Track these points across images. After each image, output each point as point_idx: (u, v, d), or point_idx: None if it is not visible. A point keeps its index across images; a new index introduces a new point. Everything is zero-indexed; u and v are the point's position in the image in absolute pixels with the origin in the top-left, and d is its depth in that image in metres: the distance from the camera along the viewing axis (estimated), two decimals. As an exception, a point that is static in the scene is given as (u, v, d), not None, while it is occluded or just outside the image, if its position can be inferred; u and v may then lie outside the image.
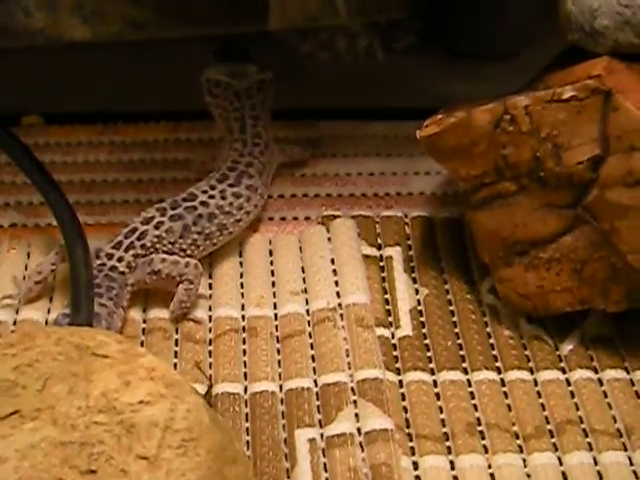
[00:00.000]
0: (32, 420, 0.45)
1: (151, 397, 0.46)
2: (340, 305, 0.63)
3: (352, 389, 0.58)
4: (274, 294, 0.64)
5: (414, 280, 0.65)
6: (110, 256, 0.61)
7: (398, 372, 0.60)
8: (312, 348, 0.61)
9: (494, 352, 0.61)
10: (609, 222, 0.57)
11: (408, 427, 0.57)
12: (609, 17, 0.57)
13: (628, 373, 0.60)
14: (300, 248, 0.67)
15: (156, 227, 0.62)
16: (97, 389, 0.45)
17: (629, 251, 0.57)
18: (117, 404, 0.45)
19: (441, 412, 0.58)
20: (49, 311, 0.62)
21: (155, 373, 0.47)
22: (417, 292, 0.65)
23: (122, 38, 0.61)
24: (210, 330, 0.62)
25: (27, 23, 0.55)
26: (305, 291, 0.64)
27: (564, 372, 0.60)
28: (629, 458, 0.56)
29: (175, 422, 0.45)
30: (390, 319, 0.63)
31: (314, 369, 0.60)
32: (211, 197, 0.65)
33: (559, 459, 0.56)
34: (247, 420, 0.57)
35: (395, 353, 0.61)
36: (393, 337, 0.62)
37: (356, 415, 0.57)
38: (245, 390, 0.59)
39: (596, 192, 0.57)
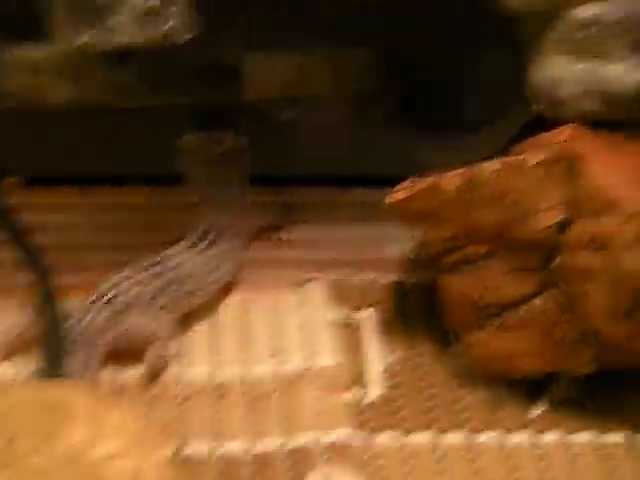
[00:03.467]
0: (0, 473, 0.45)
1: (120, 452, 0.46)
2: (311, 367, 0.64)
3: (322, 450, 0.59)
4: (247, 355, 0.65)
5: (385, 343, 0.66)
6: (84, 314, 0.61)
7: (369, 433, 0.60)
8: (282, 409, 0.61)
9: (465, 414, 0.62)
10: (576, 285, 0.58)
11: (378, 488, 0.57)
12: (574, 87, 0.59)
13: (598, 436, 0.61)
14: (273, 311, 0.68)
15: (130, 288, 0.63)
16: (66, 442, 0.46)
17: (596, 314, 0.58)
18: (86, 458, 0.45)
19: (411, 474, 0.58)
20: (18, 371, 0.62)
21: (124, 428, 0.47)
22: (388, 355, 0.65)
23: (103, 103, 0.63)
24: (181, 390, 0.62)
25: (9, 85, 0.56)
26: (276, 353, 0.65)
27: (534, 434, 0.61)
28: (599, 521, 0.56)
29: (143, 477, 0.45)
30: (361, 381, 0.63)
31: (284, 429, 0.60)
32: (186, 259, 0.65)
33: (528, 521, 0.56)
34: (216, 480, 0.57)
35: (366, 415, 0.61)
36: (364, 399, 0.62)
37: (326, 477, 0.57)
38: (215, 450, 0.59)
39: (563, 256, 0.58)
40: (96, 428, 0.46)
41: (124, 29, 0.53)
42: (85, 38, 0.53)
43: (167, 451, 0.47)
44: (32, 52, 0.55)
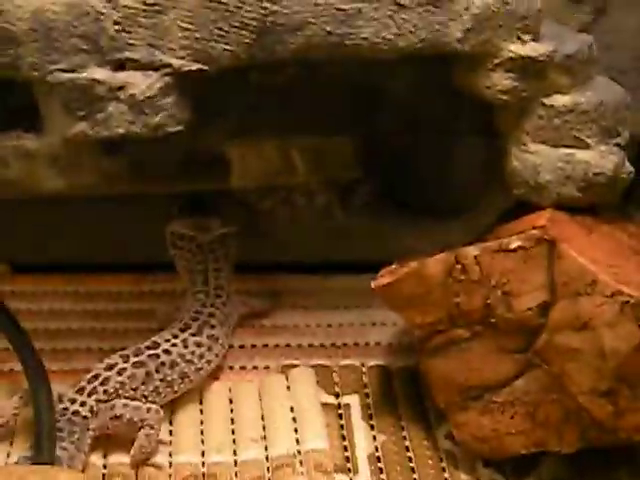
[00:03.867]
0: None
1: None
2: (299, 451, 0.64)
3: (311, 534, 0.59)
4: (234, 440, 0.65)
5: (372, 427, 0.67)
6: (73, 400, 0.62)
7: (357, 517, 0.61)
8: (271, 493, 0.62)
9: (452, 496, 0.62)
10: (559, 365, 0.59)
11: None
12: (551, 172, 0.61)
13: (585, 514, 0.61)
14: (260, 396, 0.68)
15: (119, 373, 0.63)
16: (58, 525, 0.46)
17: (579, 393, 0.59)
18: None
19: None
20: (9, 455, 0.62)
21: (116, 511, 0.47)
22: (375, 438, 0.66)
23: (95, 190, 0.64)
24: (170, 476, 0.62)
25: (3, 174, 0.58)
26: (265, 438, 0.65)
27: (521, 515, 0.61)
28: None
29: None
30: (349, 465, 0.64)
31: (274, 514, 0.60)
32: (174, 345, 0.66)
33: None
34: None
35: (354, 498, 0.62)
36: (352, 482, 0.63)
37: None
38: (204, 536, 0.59)
39: (546, 337, 0.60)
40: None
41: (119, 119, 0.55)
42: (78, 128, 0.55)
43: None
44: (26, 142, 0.57)
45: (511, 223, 0.63)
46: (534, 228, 0.60)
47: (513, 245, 0.60)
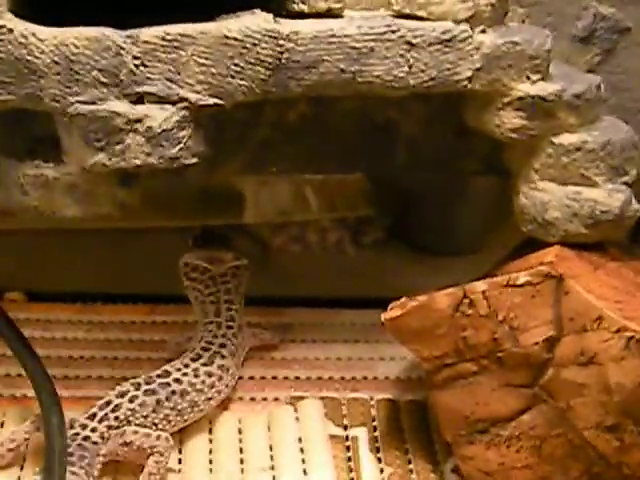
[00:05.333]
0: None
1: None
2: (306, 482, 0.65)
3: None
4: (242, 470, 0.66)
5: (379, 459, 0.67)
6: (84, 426, 0.63)
7: None
8: (279, 523, 0.62)
9: (457, 530, 0.63)
10: (565, 400, 0.60)
11: None
12: (559, 210, 0.62)
13: None
14: (268, 427, 0.69)
15: (130, 401, 0.64)
16: None
17: (585, 427, 0.59)
18: None
19: None
20: (19, 479, 0.63)
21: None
22: (382, 471, 0.66)
23: (110, 221, 0.65)
24: (178, 503, 0.63)
25: (23, 201, 0.59)
26: (273, 468, 0.66)
27: None
28: None
29: None
30: (355, 497, 0.64)
31: (280, 543, 0.61)
32: (184, 375, 0.67)
33: None
34: None
35: (360, 530, 0.62)
36: (358, 514, 0.63)
37: None
38: None
39: (552, 372, 0.60)
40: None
41: (136, 151, 0.56)
42: (96, 159, 0.56)
43: None
44: (46, 171, 0.58)
45: (519, 259, 0.64)
46: (542, 264, 0.61)
47: (521, 280, 0.61)
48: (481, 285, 0.62)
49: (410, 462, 0.67)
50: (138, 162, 0.56)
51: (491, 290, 0.61)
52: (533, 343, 0.60)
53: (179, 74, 0.56)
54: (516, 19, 0.67)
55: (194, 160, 0.58)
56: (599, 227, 0.62)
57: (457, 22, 0.59)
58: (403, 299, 0.65)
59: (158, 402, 0.65)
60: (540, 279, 0.60)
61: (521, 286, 0.61)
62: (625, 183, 0.63)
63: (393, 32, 0.58)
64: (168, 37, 0.56)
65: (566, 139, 0.61)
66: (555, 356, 0.60)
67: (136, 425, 0.64)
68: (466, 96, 0.62)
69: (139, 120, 0.56)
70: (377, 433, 0.69)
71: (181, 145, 0.57)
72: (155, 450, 0.63)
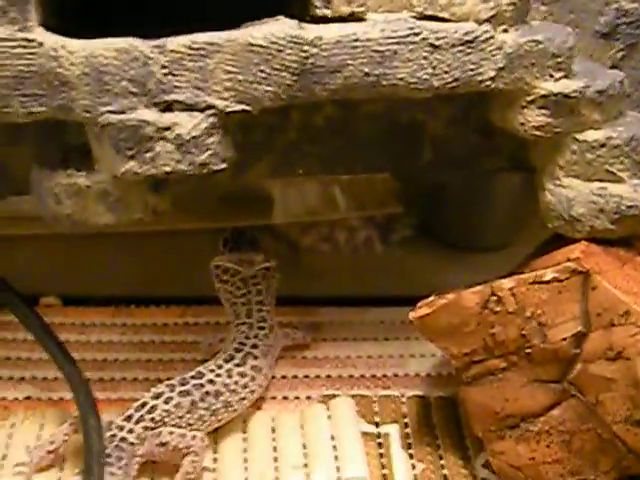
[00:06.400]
0: None
1: None
2: (339, 479, 0.65)
3: None
4: (276, 468, 0.67)
5: (411, 456, 0.68)
6: (121, 428, 0.64)
7: None
8: (313, 519, 0.63)
9: (490, 524, 0.63)
10: (594, 395, 0.61)
11: None
12: (585, 206, 0.62)
13: None
14: (301, 425, 0.70)
15: (165, 402, 0.66)
16: None
17: (614, 422, 0.60)
18: None
19: None
20: (59, 480, 0.65)
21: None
22: (414, 467, 0.67)
23: (142, 226, 0.66)
24: (215, 502, 0.64)
25: (57, 210, 0.60)
26: (306, 466, 0.67)
27: None
28: None
29: None
30: (388, 493, 0.65)
31: (315, 539, 0.62)
32: (218, 375, 0.68)
33: None
34: None
35: (393, 525, 0.63)
36: (391, 510, 0.64)
37: None
38: None
39: (580, 367, 0.61)
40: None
41: (166, 158, 0.57)
42: (127, 166, 0.57)
43: None
44: (78, 179, 0.59)
45: (546, 255, 0.64)
46: (568, 260, 0.61)
47: (548, 277, 0.61)
48: (508, 282, 0.62)
49: (441, 458, 0.68)
50: (168, 169, 0.57)
51: (518, 287, 0.62)
52: (561, 339, 0.61)
53: (206, 82, 0.57)
54: (538, 17, 0.67)
55: (223, 165, 0.59)
56: (625, 222, 0.62)
57: (479, 22, 0.60)
58: (431, 297, 0.65)
59: (193, 403, 0.66)
60: (567, 275, 0.61)
61: (548, 282, 0.61)
62: (650, 178, 0.63)
63: (416, 35, 0.59)
64: (195, 46, 0.57)
65: (590, 135, 0.62)
66: (583, 351, 0.60)
67: (172, 426, 0.65)
68: (490, 95, 0.62)
69: (168, 128, 0.57)
70: (408, 430, 0.70)
71: (210, 151, 0.58)
72: (191, 450, 0.64)
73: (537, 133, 0.62)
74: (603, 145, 0.62)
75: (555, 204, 0.64)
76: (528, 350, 0.62)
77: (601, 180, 0.62)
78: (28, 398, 0.71)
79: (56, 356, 0.66)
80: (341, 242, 0.88)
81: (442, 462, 0.67)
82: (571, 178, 0.63)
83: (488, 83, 0.60)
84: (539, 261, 0.65)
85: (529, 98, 0.61)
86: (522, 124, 0.62)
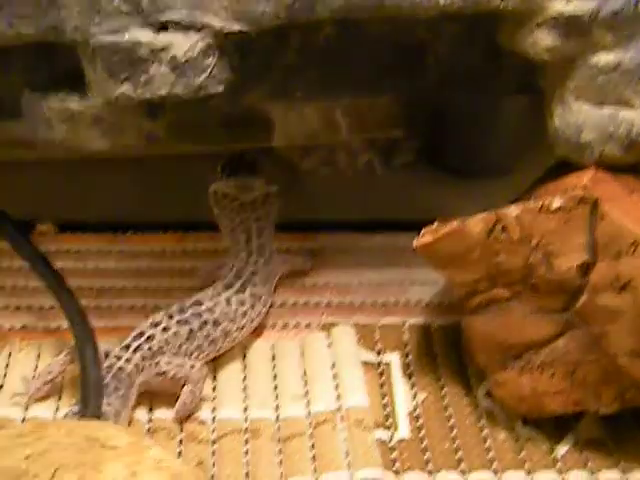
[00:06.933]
0: (42, 508, 0.46)
1: (159, 487, 0.47)
2: (340, 408, 0.65)
3: (352, 489, 0.60)
4: (276, 397, 0.66)
5: (412, 385, 0.67)
6: (118, 357, 0.63)
7: (397, 473, 0.61)
8: (313, 449, 0.62)
9: (491, 453, 0.63)
10: (599, 326, 0.60)
11: (407, 526, 0.58)
12: (594, 131, 0.61)
13: (623, 474, 0.61)
14: (301, 353, 0.69)
15: (163, 331, 0.65)
16: (106, 478, 0.47)
17: (618, 353, 0.59)
18: (126, 493, 0.47)
19: (439, 512, 0.59)
20: (57, 409, 0.64)
21: (162, 464, 0.48)
22: (415, 396, 0.66)
23: (137, 151, 0.65)
24: (213, 431, 0.63)
25: (49, 135, 0.58)
26: (306, 394, 0.66)
27: (560, 473, 0.61)
28: None
29: (181, 512, 0.47)
30: (389, 422, 0.65)
31: (315, 469, 0.61)
32: (217, 304, 0.67)
33: None
34: (249, 519, 0.58)
35: (393, 454, 0.62)
36: (391, 439, 0.63)
37: (356, 515, 0.59)
38: (247, 490, 0.60)
39: (586, 297, 0.60)
40: (136, 464, 0.48)
41: (161, 81, 0.55)
42: (121, 90, 0.55)
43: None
44: (71, 104, 0.58)
45: (553, 183, 0.63)
46: (576, 188, 0.60)
47: (555, 205, 0.60)
48: (514, 210, 0.61)
49: (443, 387, 0.67)
50: (163, 92, 0.55)
51: (524, 215, 0.60)
52: (567, 268, 0.60)
53: (202, 0, 0.55)
54: None
55: (220, 88, 0.57)
56: (635, 149, 0.60)
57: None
58: (435, 224, 0.64)
59: (191, 332, 0.65)
60: (574, 204, 0.59)
61: (555, 211, 0.59)
62: (662, 104, 0.61)
63: (423, -50, 0.56)
64: (190, -38, 0.54)
65: (602, 59, 0.59)
66: (589, 281, 0.59)
67: (170, 355, 0.64)
68: (499, 16, 0.60)
69: (163, 49, 0.55)
70: (410, 358, 0.69)
71: (206, 74, 0.56)
72: (189, 379, 0.64)
73: (546, 56, 0.60)
74: (615, 69, 0.60)
75: (564, 129, 0.62)
76: (533, 280, 0.60)
77: (612, 105, 0.60)
78: (24, 327, 0.70)
79: (52, 285, 0.65)
80: (342, 165, 0.86)
81: (443, 391, 0.67)
82: (581, 103, 0.61)
83: (497, 3, 0.58)
84: (546, 187, 0.63)
85: (539, 19, 0.59)
86: (531, 46, 0.60)
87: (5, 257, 0.76)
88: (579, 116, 0.61)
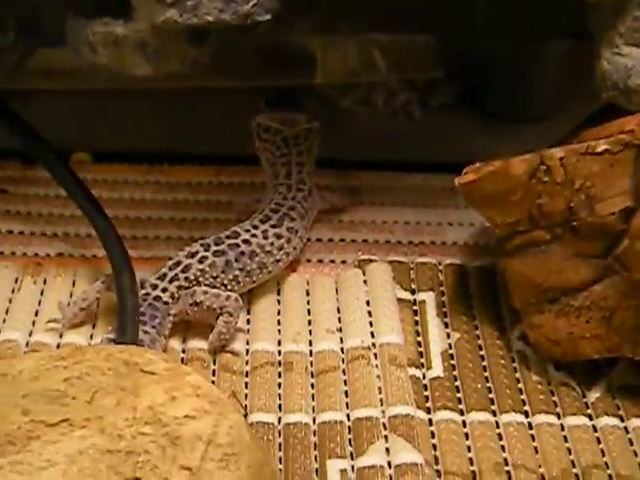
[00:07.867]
0: (81, 428, 0.46)
1: (196, 412, 0.47)
2: (374, 344, 0.65)
3: (384, 424, 0.60)
4: (310, 331, 0.66)
5: (446, 324, 0.67)
6: (154, 286, 0.63)
7: (428, 411, 0.62)
8: (346, 384, 0.63)
9: (522, 396, 0.63)
10: (638, 272, 0.59)
11: (437, 464, 0.58)
12: (643, 75, 0.60)
13: (654, 421, 0.62)
14: (336, 289, 0.69)
15: (200, 261, 0.65)
16: (144, 402, 0.47)
17: (658, 300, 0.59)
18: (163, 417, 0.47)
19: (469, 451, 0.59)
20: (92, 337, 0.64)
21: (200, 390, 0.49)
22: (448, 336, 0.66)
23: (180, 80, 0.64)
24: (247, 362, 0.64)
25: (92, 60, 0.58)
26: (340, 330, 0.66)
27: (591, 418, 0.61)
28: (654, 502, 0.57)
29: (218, 437, 0.47)
30: (422, 360, 0.65)
31: (347, 404, 0.61)
32: (253, 236, 0.67)
33: (585, 501, 0.57)
34: (280, 449, 0.59)
35: (426, 393, 0.63)
36: (424, 377, 0.64)
37: (387, 449, 0.59)
38: (279, 421, 0.60)
39: (627, 243, 0.59)
40: (174, 390, 0.48)
41: (208, 7, 0.54)
42: (167, 15, 0.55)
43: (240, 414, 0.49)
44: (116, 28, 0.57)
45: (599, 127, 0.62)
46: (622, 132, 0.59)
47: (600, 148, 0.59)
48: (559, 152, 0.60)
49: (477, 328, 0.67)
50: (210, 18, 0.55)
51: (569, 157, 0.59)
52: (609, 213, 0.59)
53: None
54: None
55: (267, 17, 0.56)
56: (685, 94, 0.60)
57: None
58: (478, 164, 0.63)
59: (227, 263, 0.65)
60: (620, 147, 0.58)
61: (600, 154, 0.59)
62: None
63: None
64: None
65: (655, 1, 0.59)
66: (631, 227, 0.59)
67: (206, 285, 0.64)
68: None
69: (212, -25, 0.54)
70: (444, 298, 0.69)
71: (254, 1, 0.55)
72: (225, 310, 0.64)
73: (598, -3, 0.59)
74: (668, 11, 0.59)
75: (612, 73, 0.61)
76: (574, 223, 0.60)
77: (663, 49, 0.59)
78: (60, 255, 0.71)
79: (90, 212, 0.65)
80: (379, 105, 0.86)
81: (477, 332, 0.67)
82: (631, 46, 0.60)
83: (549, -60, 0.57)
84: (591, 132, 0.62)
85: (593, -42, 0.58)
86: (584, -14, 0.59)
87: (41, 185, 0.76)
88: (628, 60, 0.60)
